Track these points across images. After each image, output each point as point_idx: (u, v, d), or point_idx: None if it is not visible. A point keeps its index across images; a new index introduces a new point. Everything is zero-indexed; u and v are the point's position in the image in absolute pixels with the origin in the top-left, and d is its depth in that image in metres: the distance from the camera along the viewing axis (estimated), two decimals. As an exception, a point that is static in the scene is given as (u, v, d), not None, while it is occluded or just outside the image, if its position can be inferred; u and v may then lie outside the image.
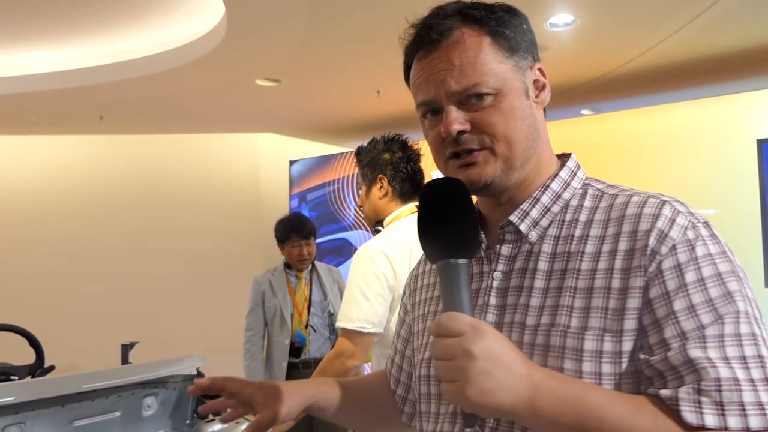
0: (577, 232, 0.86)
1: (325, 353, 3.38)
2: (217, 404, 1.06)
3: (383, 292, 1.99)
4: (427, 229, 0.84)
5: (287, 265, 3.50)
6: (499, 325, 0.89)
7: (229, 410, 1.06)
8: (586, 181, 0.93)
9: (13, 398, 1.70)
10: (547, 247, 0.88)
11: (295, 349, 3.27)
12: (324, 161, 6.47)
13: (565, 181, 0.92)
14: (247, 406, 1.04)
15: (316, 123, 6.44)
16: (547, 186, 0.91)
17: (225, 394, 1.04)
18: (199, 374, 2.21)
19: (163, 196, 6.59)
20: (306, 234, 3.40)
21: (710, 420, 0.68)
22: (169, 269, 6.45)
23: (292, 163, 6.62)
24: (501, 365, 0.71)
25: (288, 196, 6.55)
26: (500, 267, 0.92)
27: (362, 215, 2.31)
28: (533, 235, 0.89)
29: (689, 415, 0.69)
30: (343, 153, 6.35)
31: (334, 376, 2.03)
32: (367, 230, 6.08)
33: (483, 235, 0.94)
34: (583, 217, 0.87)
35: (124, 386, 2.03)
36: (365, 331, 1.98)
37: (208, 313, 6.11)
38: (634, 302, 0.77)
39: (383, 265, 1.99)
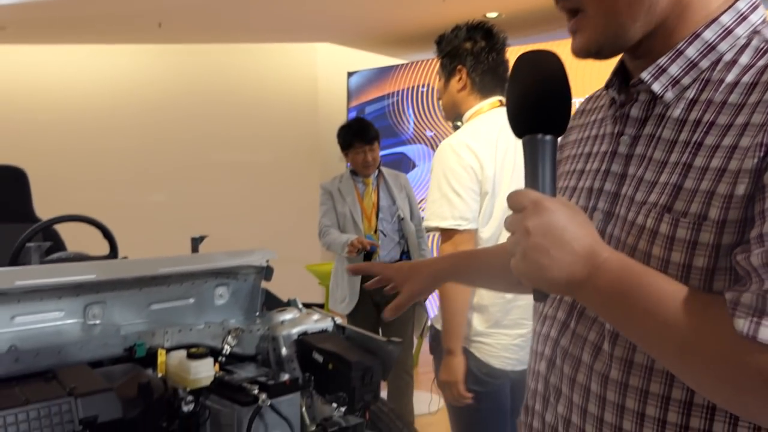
0: (717, 97, 0.71)
1: (395, 258, 3.37)
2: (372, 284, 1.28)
3: (473, 186, 1.90)
4: (514, 102, 0.80)
5: (353, 172, 3.46)
6: (615, 196, 0.83)
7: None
8: (759, 27, 0.73)
9: (94, 276, 1.74)
10: (678, 112, 0.75)
11: (366, 254, 3.27)
12: (383, 73, 6.31)
13: (726, 28, 0.73)
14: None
15: (376, 32, 6.23)
16: (698, 35, 0.74)
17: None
18: (269, 267, 2.22)
19: (221, 108, 6.58)
20: (369, 139, 3.33)
21: (765, 333, 0.59)
22: (226, 181, 6.52)
23: (350, 74, 6.48)
24: (557, 242, 0.69)
25: (346, 108, 6.45)
26: (628, 131, 0.83)
27: (440, 108, 2.19)
28: (669, 96, 0.76)
29: (741, 322, 0.61)
30: (402, 65, 6.17)
31: (449, 285, 2.00)
32: (426, 144, 5.97)
33: (616, 93, 0.86)
34: (730, 78, 0.71)
35: (198, 274, 2.06)
36: (461, 228, 1.91)
37: (265, 225, 6.19)
38: (744, 188, 0.65)
39: (469, 158, 1.90)
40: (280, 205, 6.28)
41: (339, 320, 2.09)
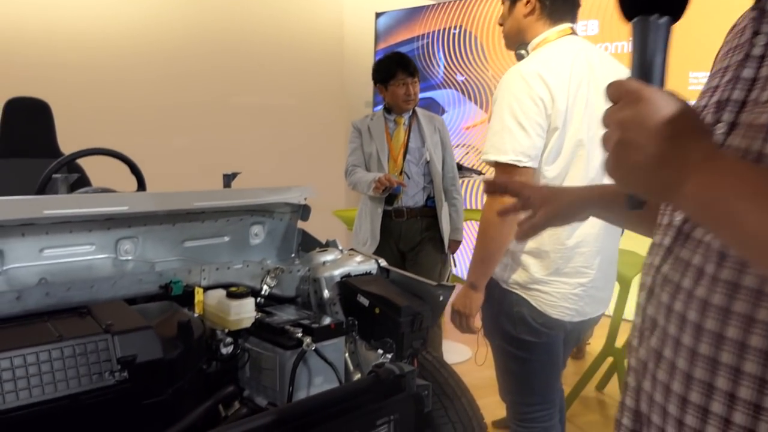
0: None
1: (419, 203, 3.22)
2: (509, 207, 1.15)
3: (541, 120, 1.72)
4: None
5: (387, 110, 3.26)
6: (742, 104, 0.73)
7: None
8: None
9: (126, 208, 1.61)
10: None
11: (389, 196, 3.12)
12: (412, 14, 6.03)
13: None
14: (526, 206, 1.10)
15: (407, -31, 5.94)
16: None
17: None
18: (306, 206, 2.09)
19: (245, 49, 6.36)
20: (412, 71, 3.12)
21: None
22: (250, 126, 6.36)
23: (378, 15, 6.21)
24: (650, 139, 0.61)
25: (373, 51, 6.21)
26: (764, 28, 0.74)
27: (502, 35, 1.98)
28: None
29: None
30: (433, 5, 5.88)
31: (497, 222, 1.85)
32: (456, 89, 5.74)
33: None
34: None
35: (233, 210, 1.94)
36: (521, 165, 1.73)
37: (289, 171, 6.06)
38: None
39: (540, 89, 1.71)
40: (304, 151, 6.12)
41: (383, 262, 1.96)
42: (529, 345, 1.99)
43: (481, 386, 2.59)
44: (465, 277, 2.03)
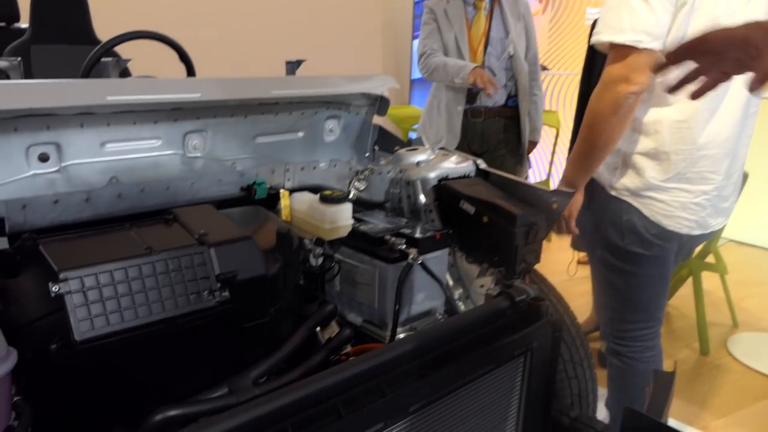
0: None
1: (499, 102, 2.91)
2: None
3: None
4: None
5: (464, -9, 2.87)
6: None
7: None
8: None
9: (198, 95, 1.36)
10: None
11: (468, 95, 2.80)
12: None
13: None
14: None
15: None
16: None
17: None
18: (385, 99, 1.82)
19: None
20: None
21: None
22: (283, 18, 5.92)
23: None
24: None
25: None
26: None
27: None
28: None
29: None
30: None
31: (608, 114, 1.57)
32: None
33: None
34: None
35: (308, 102, 1.68)
36: (641, 46, 1.44)
37: (325, 64, 5.68)
38: None
39: None
40: (340, 44, 5.73)
41: (482, 164, 1.71)
42: (638, 258, 1.77)
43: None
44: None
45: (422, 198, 1.60)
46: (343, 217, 1.34)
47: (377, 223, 1.50)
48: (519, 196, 1.58)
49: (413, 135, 1.90)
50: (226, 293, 0.99)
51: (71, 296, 0.86)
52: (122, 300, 0.90)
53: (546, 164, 4.83)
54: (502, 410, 1.12)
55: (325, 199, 1.33)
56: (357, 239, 1.42)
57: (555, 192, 1.54)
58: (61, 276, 0.86)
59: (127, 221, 1.11)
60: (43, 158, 1.29)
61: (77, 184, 1.27)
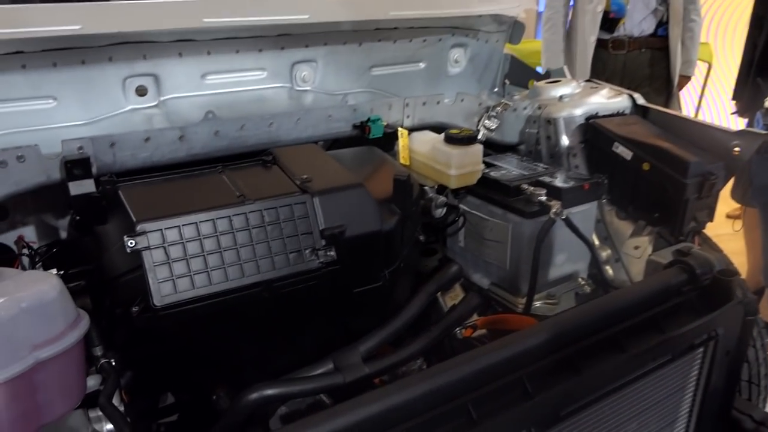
0: None
1: (646, 31, 2.50)
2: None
3: None
4: None
5: None
6: None
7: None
8: None
9: (307, 17, 1.18)
10: None
11: (608, 21, 2.41)
12: None
13: None
14: None
15: None
16: None
17: None
18: (519, 23, 1.54)
19: None
20: None
21: None
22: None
23: None
24: None
25: None
26: None
27: None
28: None
29: None
30: None
31: None
32: None
33: None
34: None
35: (432, 27, 1.45)
36: None
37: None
38: None
39: None
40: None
41: (640, 99, 1.41)
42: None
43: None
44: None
45: (565, 139, 1.33)
46: (472, 161, 1.12)
47: (510, 168, 1.27)
48: (688, 137, 1.28)
49: (507, 81, 1.61)
50: (332, 252, 0.81)
51: (150, 253, 0.72)
52: (209, 258, 0.75)
53: (693, 105, 4.25)
54: (670, 411, 0.88)
55: (451, 140, 1.11)
56: (487, 187, 1.20)
57: (740, 133, 1.22)
58: (138, 228, 0.72)
59: (225, 162, 0.96)
60: (141, 92, 1.17)
61: (174, 120, 1.14)
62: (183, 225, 0.74)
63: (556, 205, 1.12)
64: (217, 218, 0.75)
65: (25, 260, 1.10)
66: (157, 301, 0.71)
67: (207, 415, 0.89)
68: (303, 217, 0.81)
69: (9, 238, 1.09)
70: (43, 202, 1.07)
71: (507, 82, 1.65)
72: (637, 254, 1.27)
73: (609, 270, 1.32)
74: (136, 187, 0.82)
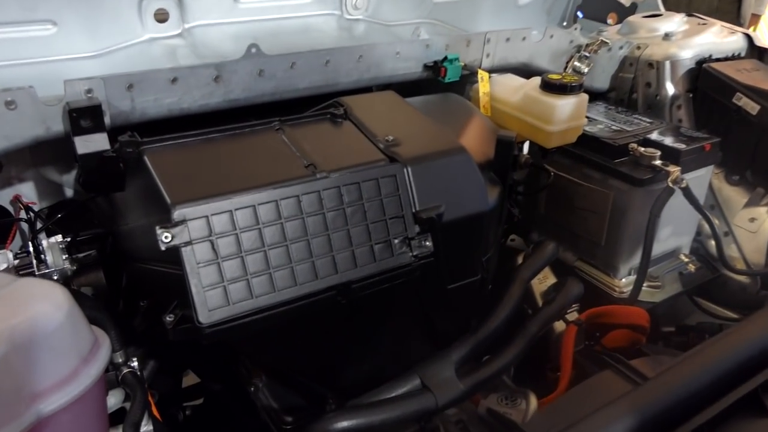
0: None
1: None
2: None
3: None
4: None
5: None
6: None
7: None
8: None
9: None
10: None
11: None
12: None
13: None
14: None
15: None
16: None
17: None
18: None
19: None
20: None
21: None
22: None
23: None
24: None
25: None
26: None
27: None
28: None
29: None
30: None
31: None
32: None
33: None
34: None
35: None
36: None
37: None
38: None
39: None
40: None
41: (758, 36, 1.16)
42: None
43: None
44: None
45: (670, 87, 1.10)
46: (576, 114, 0.90)
47: (606, 122, 1.05)
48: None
49: (581, 14, 1.35)
50: (429, 242, 0.61)
51: (192, 250, 0.51)
52: (272, 254, 0.54)
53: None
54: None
55: (552, 87, 0.88)
56: (583, 145, 0.98)
57: None
58: (176, 214, 0.51)
59: (272, 112, 0.74)
60: (162, 17, 0.93)
61: (204, 54, 0.91)
62: (237, 209, 0.53)
63: (674, 171, 0.90)
64: (281, 199, 0.55)
65: (24, 226, 0.91)
66: (204, 318, 0.51)
67: (239, 401, 0.71)
68: (391, 195, 0.60)
69: (4, 198, 0.89)
70: (43, 152, 0.86)
71: (580, 14, 1.40)
72: (753, 228, 1.07)
73: (711, 244, 1.11)
74: (167, 151, 0.60)
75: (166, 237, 0.50)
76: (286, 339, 0.61)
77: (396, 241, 0.60)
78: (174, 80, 0.76)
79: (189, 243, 0.51)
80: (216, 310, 0.51)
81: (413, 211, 0.61)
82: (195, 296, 0.51)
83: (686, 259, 1.06)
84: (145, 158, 0.57)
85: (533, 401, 0.76)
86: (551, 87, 0.89)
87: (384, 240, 0.59)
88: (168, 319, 0.55)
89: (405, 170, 0.61)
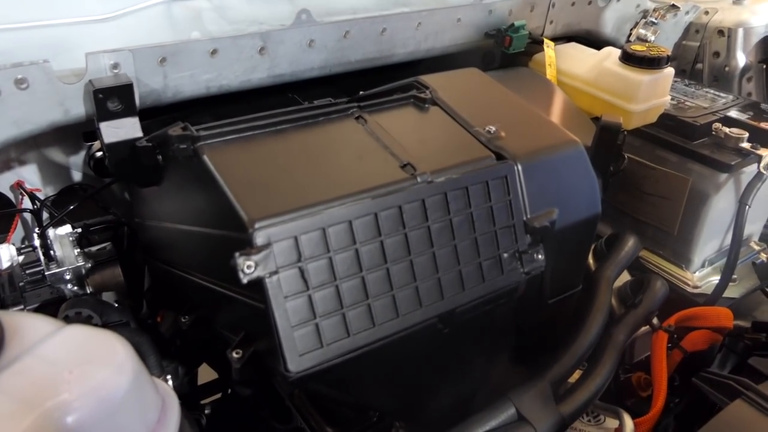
0: None
1: None
2: None
3: None
4: None
5: None
6: None
7: None
8: None
9: None
10: None
11: None
12: None
13: None
14: None
15: None
16: None
17: None
18: None
19: None
20: None
21: None
22: None
23: None
24: None
25: None
26: None
27: None
28: None
29: None
30: None
31: None
32: None
33: None
34: None
35: None
36: None
37: None
38: None
39: None
40: None
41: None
42: None
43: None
44: None
45: (741, 57, 1.00)
46: (661, 91, 0.79)
47: (677, 97, 0.94)
48: None
49: None
50: (541, 255, 0.51)
51: (278, 281, 0.40)
52: (370, 279, 0.43)
53: None
54: None
55: (635, 59, 0.77)
56: (658, 125, 0.87)
57: None
58: (259, 236, 0.40)
59: (326, 88, 0.62)
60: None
61: (235, 20, 0.78)
62: (329, 226, 0.42)
63: (766, 155, 0.81)
64: (381, 211, 0.44)
65: (27, 217, 0.79)
66: (294, 366, 0.40)
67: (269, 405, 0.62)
68: (501, 201, 0.49)
69: (3, 183, 0.76)
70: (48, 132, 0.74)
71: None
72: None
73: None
74: (230, 147, 0.48)
75: (249, 267, 0.38)
76: (367, 374, 0.51)
77: (506, 255, 0.49)
78: (214, 52, 0.63)
79: (276, 273, 0.40)
80: (307, 354, 0.41)
81: (524, 219, 0.51)
82: (283, 339, 0.40)
83: (757, 247, 0.97)
84: (205, 158, 0.46)
85: (628, 422, 0.68)
86: (636, 60, 0.77)
87: (492, 256, 0.49)
88: (235, 356, 0.45)
89: (516, 167, 0.50)
